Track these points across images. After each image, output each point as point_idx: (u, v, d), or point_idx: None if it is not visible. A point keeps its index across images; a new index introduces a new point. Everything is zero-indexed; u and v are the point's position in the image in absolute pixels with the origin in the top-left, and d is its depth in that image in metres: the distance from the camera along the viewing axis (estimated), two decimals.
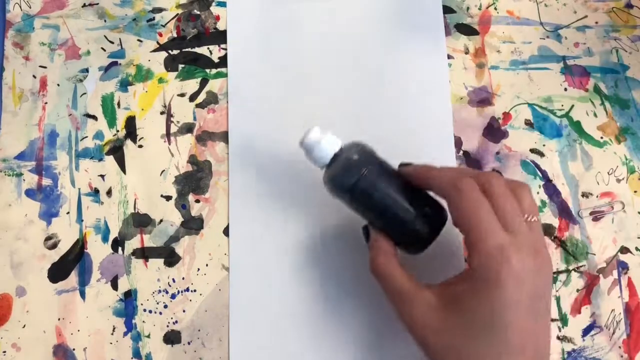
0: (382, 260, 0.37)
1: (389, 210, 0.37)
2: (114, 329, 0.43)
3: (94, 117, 0.47)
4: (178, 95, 0.48)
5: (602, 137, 0.48)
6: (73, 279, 0.44)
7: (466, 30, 0.50)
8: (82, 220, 0.45)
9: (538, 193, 0.47)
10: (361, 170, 0.37)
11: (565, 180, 0.47)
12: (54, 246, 0.44)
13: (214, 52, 0.49)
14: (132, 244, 0.45)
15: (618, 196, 0.47)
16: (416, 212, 0.37)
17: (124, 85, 0.48)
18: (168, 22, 0.50)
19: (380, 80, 0.48)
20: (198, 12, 0.50)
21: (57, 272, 0.44)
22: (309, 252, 0.44)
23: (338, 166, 0.38)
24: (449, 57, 0.49)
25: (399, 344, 0.43)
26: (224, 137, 0.47)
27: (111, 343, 0.43)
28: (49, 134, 0.47)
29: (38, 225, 0.45)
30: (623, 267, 0.45)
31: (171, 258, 0.44)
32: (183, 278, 0.44)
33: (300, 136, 0.39)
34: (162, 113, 0.47)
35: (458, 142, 0.47)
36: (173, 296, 0.44)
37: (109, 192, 0.46)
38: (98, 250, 0.44)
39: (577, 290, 0.45)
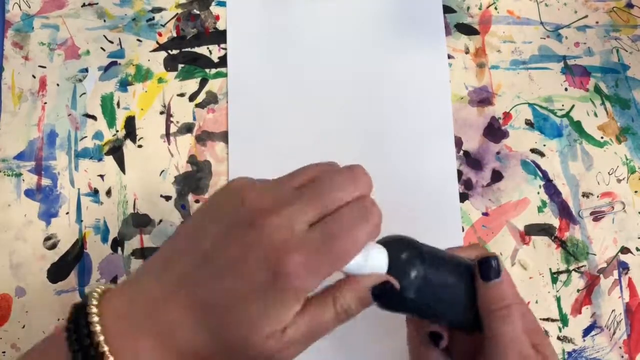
0: None
1: (452, 301, 0.32)
2: None
3: (94, 117, 0.47)
4: (178, 95, 0.48)
5: (602, 137, 0.48)
6: (72, 279, 0.44)
7: (466, 30, 0.50)
8: (82, 221, 0.45)
9: (539, 193, 0.47)
10: (418, 272, 0.30)
11: (565, 180, 0.47)
12: (53, 246, 0.44)
13: (214, 52, 0.49)
14: (132, 244, 0.45)
15: (618, 196, 0.47)
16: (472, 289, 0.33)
17: (124, 85, 0.48)
18: (168, 21, 0.49)
19: (380, 79, 0.48)
20: (198, 12, 0.50)
21: (56, 273, 0.44)
22: None
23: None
24: (450, 56, 0.49)
25: (400, 344, 0.43)
26: (224, 137, 0.47)
27: None
28: (48, 134, 0.46)
29: (37, 226, 0.45)
30: (623, 267, 0.45)
31: None
32: None
33: None
34: (161, 113, 0.47)
35: (458, 142, 0.47)
36: None
37: (108, 192, 0.46)
38: (97, 251, 0.44)
39: (578, 291, 0.45)
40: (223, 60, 0.49)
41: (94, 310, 0.27)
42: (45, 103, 0.47)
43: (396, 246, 0.30)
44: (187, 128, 0.47)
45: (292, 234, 0.27)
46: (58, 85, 0.48)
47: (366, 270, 0.29)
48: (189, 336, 0.27)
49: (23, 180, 0.45)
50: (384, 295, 0.29)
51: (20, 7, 0.49)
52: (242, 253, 0.27)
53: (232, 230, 0.27)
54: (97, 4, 0.50)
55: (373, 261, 0.29)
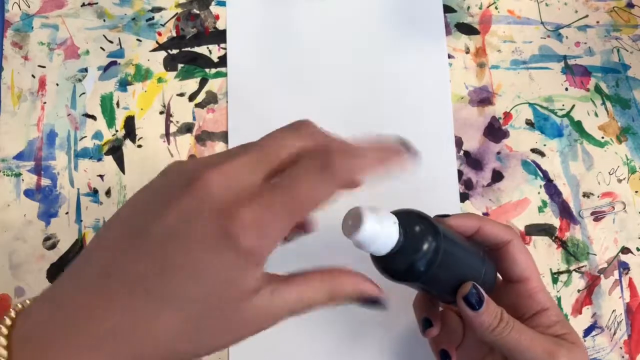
0: (518, 335, 0.33)
1: (464, 275, 0.33)
2: None
3: (93, 117, 0.47)
4: (177, 95, 0.48)
5: (603, 137, 0.48)
6: None
7: (467, 29, 0.50)
8: (81, 221, 0.45)
9: (539, 193, 0.46)
10: (431, 244, 0.30)
11: (566, 180, 0.47)
12: (53, 246, 0.44)
13: (214, 52, 0.49)
14: None
15: (619, 196, 0.47)
16: (484, 265, 0.34)
17: (123, 85, 0.48)
18: (167, 21, 0.49)
19: (380, 79, 0.48)
20: (197, 12, 0.50)
21: (56, 273, 0.44)
22: (309, 251, 0.44)
23: (404, 249, 0.30)
24: (450, 56, 0.49)
25: (403, 344, 0.43)
26: (224, 137, 0.47)
27: None
28: (47, 134, 0.46)
29: (37, 226, 0.45)
30: (624, 267, 0.45)
31: None
32: None
33: (346, 223, 0.29)
34: (161, 113, 0.47)
35: (459, 142, 0.47)
36: None
37: (108, 192, 0.45)
38: None
39: (578, 291, 0.45)
40: (223, 60, 0.48)
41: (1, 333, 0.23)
42: (45, 103, 0.47)
43: (410, 218, 0.31)
44: (187, 128, 0.47)
45: (238, 188, 0.24)
46: (57, 85, 0.48)
47: (379, 240, 0.28)
48: (129, 349, 0.23)
49: (22, 180, 0.45)
50: (368, 305, 0.28)
51: (19, 6, 0.49)
52: (182, 219, 0.23)
53: (167, 196, 0.24)
54: (96, 3, 0.49)
55: (386, 230, 0.28)
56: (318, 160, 0.24)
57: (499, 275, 0.37)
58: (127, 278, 0.23)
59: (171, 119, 0.47)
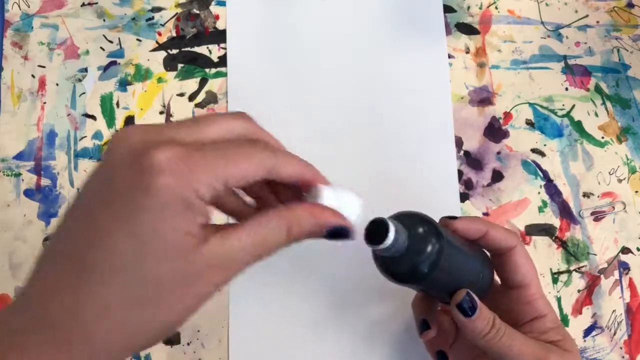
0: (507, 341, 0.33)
1: (464, 278, 0.33)
2: None
3: (93, 117, 0.47)
4: (177, 95, 0.48)
5: (603, 137, 0.48)
6: None
7: (467, 29, 0.50)
8: None
9: (539, 193, 0.46)
10: (434, 247, 0.30)
11: (566, 180, 0.47)
12: None
13: (214, 52, 0.49)
14: None
15: (619, 196, 0.47)
16: (483, 268, 0.34)
17: (123, 84, 0.48)
18: (167, 21, 0.49)
19: (380, 79, 0.48)
20: (197, 12, 0.50)
21: None
22: (309, 252, 0.44)
23: (408, 251, 0.30)
24: (450, 56, 0.49)
25: (400, 344, 0.43)
26: None
27: None
28: (47, 134, 0.46)
29: (37, 226, 0.45)
30: (624, 267, 0.45)
31: None
32: None
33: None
34: (161, 113, 0.47)
35: (459, 142, 0.47)
36: None
37: None
38: None
39: (578, 291, 0.45)
40: (223, 60, 0.48)
41: None
42: (45, 103, 0.47)
43: (414, 221, 0.31)
44: None
45: (162, 138, 0.22)
46: (57, 85, 0.47)
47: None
48: (77, 326, 0.22)
49: (22, 180, 0.45)
50: (335, 237, 0.26)
51: (19, 6, 0.49)
52: (106, 175, 0.22)
53: (101, 163, 0.23)
54: (96, 3, 0.49)
55: (346, 204, 0.27)
56: (246, 139, 0.24)
57: (497, 278, 0.37)
58: (70, 255, 0.22)
59: (171, 119, 0.47)
